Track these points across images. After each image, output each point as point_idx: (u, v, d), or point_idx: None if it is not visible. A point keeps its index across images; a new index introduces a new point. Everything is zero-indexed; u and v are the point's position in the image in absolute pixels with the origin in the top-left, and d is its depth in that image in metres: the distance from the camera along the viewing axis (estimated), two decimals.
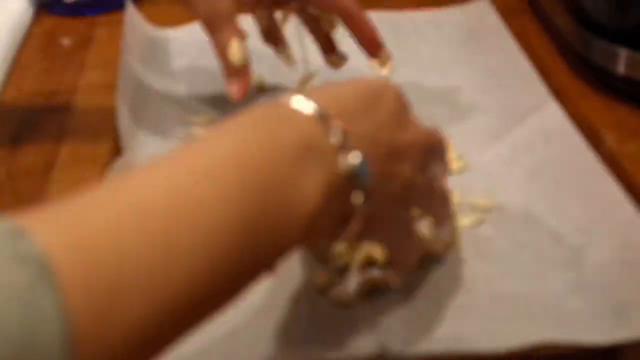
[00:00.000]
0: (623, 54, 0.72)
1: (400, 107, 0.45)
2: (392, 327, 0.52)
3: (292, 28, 0.81)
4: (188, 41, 0.82)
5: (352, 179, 0.39)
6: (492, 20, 0.82)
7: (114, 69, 0.76)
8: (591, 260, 0.55)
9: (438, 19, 0.85)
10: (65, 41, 0.86)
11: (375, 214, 0.42)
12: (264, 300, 0.54)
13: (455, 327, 0.52)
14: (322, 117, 0.39)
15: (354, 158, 0.39)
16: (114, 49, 0.79)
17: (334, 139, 0.39)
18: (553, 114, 0.67)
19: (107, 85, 0.76)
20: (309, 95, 0.40)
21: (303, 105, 0.39)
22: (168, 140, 0.69)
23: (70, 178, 0.66)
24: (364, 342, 0.51)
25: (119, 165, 0.63)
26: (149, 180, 0.34)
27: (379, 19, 0.84)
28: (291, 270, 0.56)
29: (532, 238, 0.59)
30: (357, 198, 0.40)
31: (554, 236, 0.58)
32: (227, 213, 0.34)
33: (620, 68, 0.73)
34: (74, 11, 0.89)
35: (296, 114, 0.39)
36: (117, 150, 0.67)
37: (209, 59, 0.74)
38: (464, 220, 0.61)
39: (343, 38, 0.76)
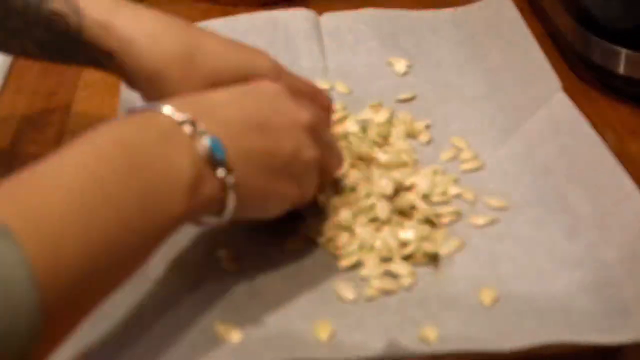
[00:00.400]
0: (623, 54, 0.72)
1: (275, 97, 0.55)
2: (402, 327, 0.52)
3: (309, 30, 0.81)
4: None
5: (210, 157, 0.49)
6: (511, 15, 0.81)
7: None
8: (603, 258, 0.55)
9: (457, 17, 0.85)
10: None
11: (249, 184, 0.52)
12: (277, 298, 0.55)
13: (464, 327, 0.52)
14: (178, 115, 0.49)
15: (204, 140, 0.49)
16: None
17: (186, 129, 0.49)
18: (561, 105, 0.67)
19: (107, 85, 0.76)
20: (178, 101, 0.51)
21: (165, 110, 0.50)
22: None
23: None
24: (374, 342, 0.51)
25: None
26: (66, 163, 0.46)
27: (398, 17, 0.84)
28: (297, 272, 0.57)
29: (544, 236, 0.59)
30: (220, 172, 0.50)
31: (567, 233, 0.58)
32: (121, 184, 0.46)
33: (621, 68, 0.73)
34: None
35: (157, 115, 0.50)
36: None
37: None
38: (478, 220, 0.61)
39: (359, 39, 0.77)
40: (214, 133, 0.50)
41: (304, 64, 0.78)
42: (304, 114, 0.56)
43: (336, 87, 0.75)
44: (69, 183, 0.44)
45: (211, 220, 0.52)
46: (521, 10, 0.86)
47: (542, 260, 0.57)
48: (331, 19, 0.84)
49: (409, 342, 0.51)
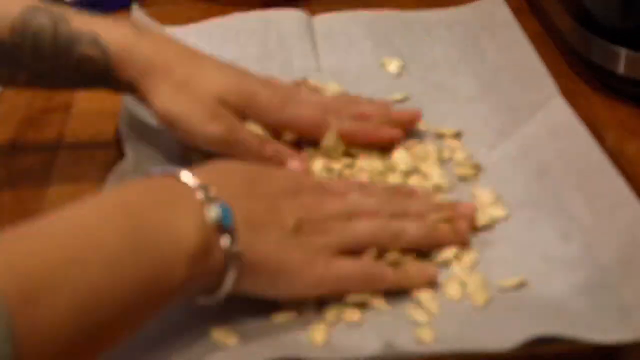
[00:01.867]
0: (623, 54, 0.72)
1: (287, 183, 0.56)
2: (398, 328, 0.52)
3: (302, 31, 0.81)
4: (193, 43, 0.82)
5: (219, 225, 0.48)
6: (504, 17, 0.81)
7: None
8: (598, 260, 0.55)
9: (450, 17, 0.84)
10: None
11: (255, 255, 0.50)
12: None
13: (460, 327, 0.52)
14: (192, 182, 0.50)
15: (215, 207, 0.49)
16: None
17: (199, 195, 0.49)
18: (559, 109, 0.67)
19: None
20: (197, 170, 0.51)
21: (183, 175, 0.50)
22: (166, 144, 0.69)
23: (70, 178, 0.66)
24: (370, 343, 0.51)
25: (118, 170, 0.63)
26: (65, 220, 0.46)
27: (392, 18, 0.84)
28: None
29: (539, 238, 0.58)
30: (225, 241, 0.49)
31: (562, 236, 0.58)
32: (119, 246, 0.45)
33: (621, 68, 0.73)
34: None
35: (171, 179, 0.50)
36: (116, 151, 0.67)
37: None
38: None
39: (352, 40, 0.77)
40: (224, 200, 0.49)
41: (297, 64, 0.78)
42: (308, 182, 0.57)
43: (329, 87, 0.75)
44: (64, 240, 0.44)
45: (207, 298, 0.50)
46: (520, 9, 0.86)
47: (536, 262, 0.57)
48: (324, 20, 0.84)
49: (405, 343, 0.50)
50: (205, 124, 0.62)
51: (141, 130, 0.69)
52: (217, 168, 0.54)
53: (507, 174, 0.65)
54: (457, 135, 0.70)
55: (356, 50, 0.81)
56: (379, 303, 0.54)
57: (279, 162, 0.63)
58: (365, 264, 0.54)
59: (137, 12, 0.82)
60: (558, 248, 0.57)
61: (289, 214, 0.53)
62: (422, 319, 0.53)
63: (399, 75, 0.78)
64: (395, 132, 0.66)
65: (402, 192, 0.60)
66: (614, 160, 0.65)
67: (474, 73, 0.77)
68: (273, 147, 0.64)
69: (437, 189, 0.63)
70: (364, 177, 0.64)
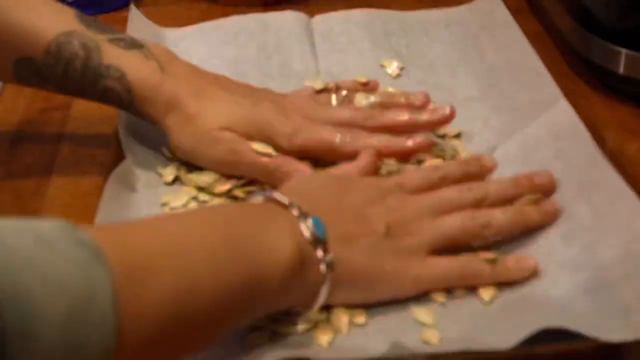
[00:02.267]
0: (623, 54, 0.72)
1: (370, 191, 0.57)
2: (403, 328, 0.52)
3: (301, 32, 0.81)
4: (191, 44, 0.82)
5: (314, 238, 0.51)
6: (503, 17, 0.81)
7: None
8: (600, 259, 0.55)
9: (449, 17, 0.84)
10: None
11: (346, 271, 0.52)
12: None
13: (464, 327, 0.52)
14: (286, 200, 0.52)
15: (309, 221, 0.51)
16: None
17: (294, 211, 0.51)
18: (563, 112, 0.66)
19: None
20: (285, 189, 0.56)
21: (277, 196, 0.53)
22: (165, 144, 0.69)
23: (69, 178, 0.66)
24: (375, 344, 0.51)
25: (118, 171, 0.63)
26: (169, 220, 0.51)
27: (390, 18, 0.84)
28: None
29: (541, 238, 0.58)
30: (319, 252, 0.51)
31: (563, 236, 0.58)
32: (219, 246, 0.48)
33: (621, 68, 0.73)
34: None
35: (266, 200, 0.53)
36: (116, 151, 0.67)
37: (213, 62, 0.75)
38: None
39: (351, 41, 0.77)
40: (315, 215, 0.52)
41: (296, 67, 0.78)
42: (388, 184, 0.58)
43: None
44: (171, 233, 0.47)
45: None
46: (520, 9, 0.86)
47: (540, 264, 0.57)
48: (323, 21, 0.84)
49: (411, 343, 0.50)
50: (207, 151, 0.64)
51: (140, 132, 0.69)
52: (303, 186, 0.57)
53: (508, 174, 0.64)
54: (458, 136, 0.70)
55: (355, 51, 0.80)
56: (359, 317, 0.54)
57: (286, 175, 0.63)
58: (461, 260, 0.55)
59: (135, 14, 0.81)
60: (559, 248, 0.57)
61: (377, 220, 0.54)
62: (427, 320, 0.53)
63: (397, 76, 0.78)
64: (419, 143, 0.65)
65: (476, 172, 0.61)
66: (614, 160, 0.65)
67: (473, 73, 0.77)
68: (277, 162, 0.63)
69: None
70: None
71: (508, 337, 0.49)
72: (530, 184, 0.59)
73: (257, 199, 0.53)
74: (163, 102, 0.64)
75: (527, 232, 0.58)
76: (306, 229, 0.51)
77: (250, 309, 0.49)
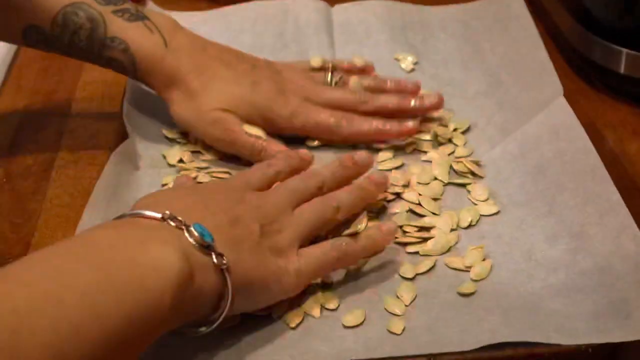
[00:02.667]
0: (624, 54, 0.72)
1: (228, 192, 0.56)
2: (373, 318, 0.53)
3: (320, 22, 0.81)
4: (211, 29, 0.81)
5: (201, 243, 0.48)
6: (519, 10, 0.81)
7: None
8: (579, 265, 0.55)
9: (467, 13, 0.84)
10: None
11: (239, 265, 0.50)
12: None
13: (431, 322, 0.53)
14: (158, 214, 0.49)
15: (192, 228, 0.49)
16: None
17: (172, 222, 0.49)
18: (561, 110, 0.67)
19: (106, 85, 0.76)
20: (153, 202, 0.52)
21: (148, 213, 0.50)
22: (168, 125, 0.70)
23: (69, 178, 0.66)
24: (322, 347, 0.51)
25: (121, 149, 0.65)
26: (44, 267, 0.44)
27: (409, 11, 0.84)
28: None
29: (525, 237, 0.59)
30: (215, 257, 0.49)
31: (548, 237, 0.58)
32: (95, 284, 0.44)
33: (621, 68, 0.73)
34: None
35: (136, 218, 0.50)
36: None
37: None
38: (465, 217, 0.61)
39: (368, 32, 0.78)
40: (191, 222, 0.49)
41: (313, 56, 0.78)
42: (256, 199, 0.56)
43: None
44: (38, 280, 0.43)
45: (203, 327, 0.50)
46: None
47: (520, 261, 0.57)
48: (343, 10, 0.84)
49: (376, 335, 0.52)
50: (206, 128, 0.67)
51: (144, 112, 0.71)
52: (163, 199, 0.54)
53: (504, 172, 0.65)
54: (464, 131, 0.70)
55: (371, 44, 0.81)
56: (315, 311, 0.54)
57: (270, 156, 0.64)
58: (330, 243, 0.56)
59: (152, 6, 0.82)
60: (543, 249, 0.57)
61: (250, 220, 0.53)
62: (398, 311, 0.53)
63: (411, 71, 0.78)
64: (412, 127, 0.68)
65: (299, 166, 0.62)
66: (614, 160, 0.65)
67: (483, 69, 0.77)
68: (263, 143, 0.66)
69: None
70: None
71: (469, 340, 0.50)
72: (353, 162, 0.61)
73: (126, 219, 0.50)
74: (165, 76, 0.66)
75: (368, 205, 0.60)
76: (190, 236, 0.48)
77: (146, 337, 0.46)
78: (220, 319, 0.49)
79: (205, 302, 0.49)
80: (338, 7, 0.85)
